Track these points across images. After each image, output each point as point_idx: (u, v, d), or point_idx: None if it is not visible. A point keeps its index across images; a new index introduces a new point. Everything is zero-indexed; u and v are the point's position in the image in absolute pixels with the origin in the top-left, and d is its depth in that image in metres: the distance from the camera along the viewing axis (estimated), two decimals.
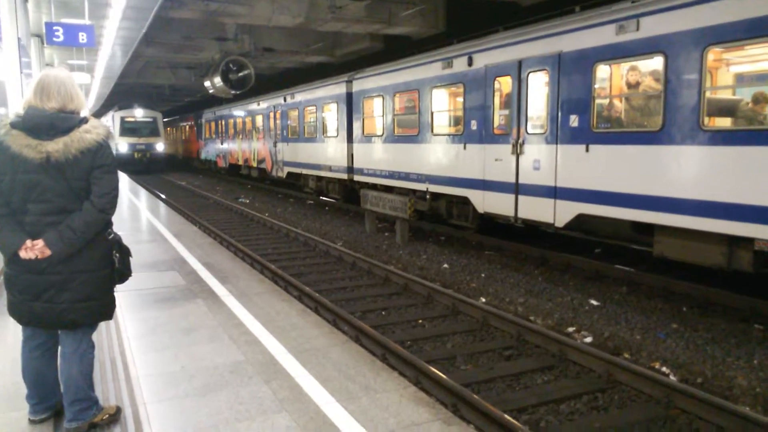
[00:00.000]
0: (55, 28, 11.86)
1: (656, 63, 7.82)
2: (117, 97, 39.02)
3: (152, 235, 10.86)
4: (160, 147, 37.88)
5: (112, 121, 37.16)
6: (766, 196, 6.42)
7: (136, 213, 14.31)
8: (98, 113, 49.88)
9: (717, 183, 6.92)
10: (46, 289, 3.28)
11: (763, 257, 6.83)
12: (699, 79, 7.08)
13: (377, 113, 14.75)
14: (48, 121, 3.25)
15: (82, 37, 12.07)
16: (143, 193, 20.43)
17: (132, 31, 15.14)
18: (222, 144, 31.93)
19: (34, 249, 3.21)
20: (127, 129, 36.53)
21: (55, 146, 3.20)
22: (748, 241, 6.79)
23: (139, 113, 37.31)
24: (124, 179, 23.14)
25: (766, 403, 5.19)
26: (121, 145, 35.83)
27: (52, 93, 3.30)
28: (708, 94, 7.16)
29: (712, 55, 7.26)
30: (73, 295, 3.32)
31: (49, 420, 3.62)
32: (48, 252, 3.23)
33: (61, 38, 11.88)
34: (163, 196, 21.67)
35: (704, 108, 7.09)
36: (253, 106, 25.60)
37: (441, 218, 13.04)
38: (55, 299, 3.29)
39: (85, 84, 24.82)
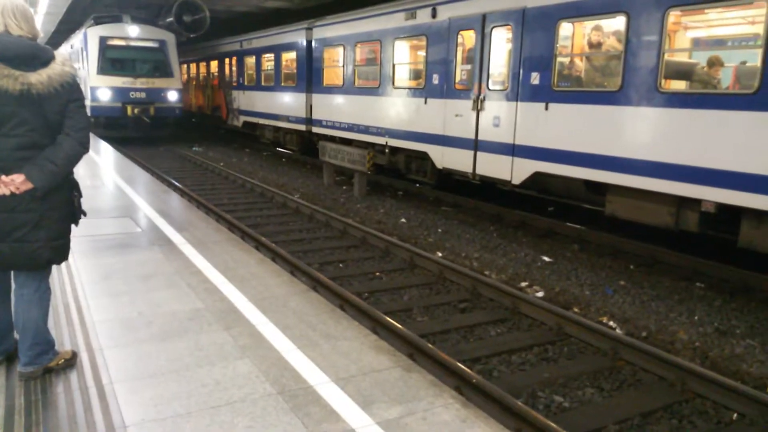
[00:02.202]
0: None
1: (618, 23, 7.88)
2: (59, 37, 34.36)
3: (102, 180, 10.53)
4: (173, 97, 21.11)
5: (83, 43, 21.08)
6: (715, 159, 6.65)
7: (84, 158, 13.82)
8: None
9: (670, 144, 7.12)
10: (16, 228, 3.14)
11: (708, 218, 7.11)
12: (659, 41, 7.18)
13: (338, 63, 14.48)
14: (30, 51, 3.08)
15: None
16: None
17: None
18: None
19: (10, 184, 3.06)
20: (113, 61, 20.50)
21: (39, 78, 3.05)
22: (696, 203, 7.05)
23: (133, 31, 20.75)
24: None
25: (704, 355, 5.48)
26: (101, 92, 19.91)
27: (24, 19, 3.13)
28: (667, 57, 7.28)
29: (673, 17, 7.36)
30: (48, 233, 3.24)
31: (1, 364, 3.54)
32: (26, 187, 3.09)
33: None
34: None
35: (662, 70, 7.21)
36: (208, 52, 24.76)
37: (399, 173, 13.05)
38: (27, 238, 3.17)
39: None
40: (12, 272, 3.43)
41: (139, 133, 20.98)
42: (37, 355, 3.41)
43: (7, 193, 3.07)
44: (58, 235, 3.31)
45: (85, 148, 3.29)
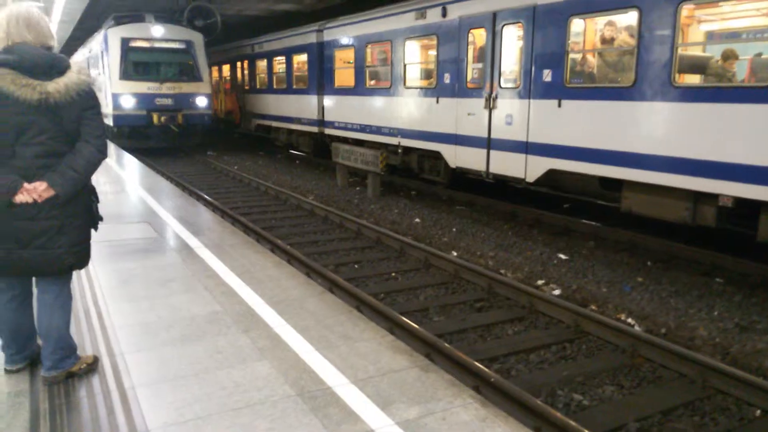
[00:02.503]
0: None
1: (630, 18, 7.83)
2: (74, 45, 34.49)
3: (120, 186, 10.64)
4: (202, 103, 19.32)
5: (102, 46, 19.20)
6: (731, 153, 6.58)
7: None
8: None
9: (685, 139, 7.05)
10: (37, 236, 3.19)
11: (725, 212, 7.04)
12: (672, 35, 7.12)
13: (349, 65, 14.51)
14: (48, 61, 3.14)
15: None
16: None
17: None
18: None
19: (33, 192, 3.11)
20: (136, 65, 18.83)
21: (56, 86, 3.10)
22: (713, 197, 6.98)
23: (158, 31, 18.93)
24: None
25: (724, 351, 5.43)
26: (125, 100, 18.21)
27: (41, 29, 3.20)
28: (680, 51, 7.22)
29: (685, 11, 7.30)
30: (70, 239, 3.28)
31: (25, 369, 3.59)
32: (48, 194, 3.14)
33: None
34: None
35: (676, 64, 7.16)
36: (220, 56, 24.90)
37: (412, 173, 13.05)
38: (49, 245, 3.21)
39: None
40: (34, 278, 3.48)
41: (165, 143, 19.52)
42: (60, 360, 3.46)
43: (30, 200, 3.12)
44: (80, 241, 3.36)
45: (103, 155, 3.33)
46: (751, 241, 6.89)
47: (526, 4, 9.07)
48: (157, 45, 18.86)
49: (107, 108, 18.16)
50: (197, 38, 19.47)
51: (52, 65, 3.14)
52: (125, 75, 18.29)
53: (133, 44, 18.52)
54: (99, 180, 11.31)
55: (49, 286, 3.40)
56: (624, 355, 5.32)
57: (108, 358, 3.78)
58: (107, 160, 14.08)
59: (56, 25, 26.13)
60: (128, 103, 18.14)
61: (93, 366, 3.64)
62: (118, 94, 18.09)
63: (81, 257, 3.41)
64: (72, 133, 3.22)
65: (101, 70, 19.63)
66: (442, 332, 5.73)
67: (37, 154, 3.14)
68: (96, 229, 3.54)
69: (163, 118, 18.57)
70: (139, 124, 18.52)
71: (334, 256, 8.41)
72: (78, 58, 27.79)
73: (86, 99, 3.22)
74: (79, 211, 3.35)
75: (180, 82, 18.96)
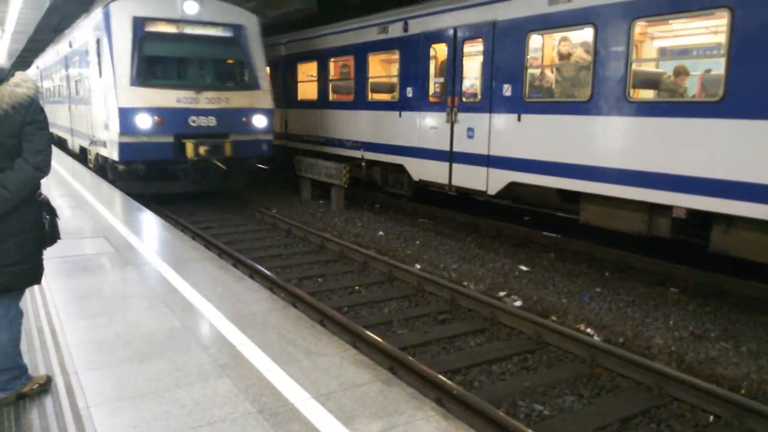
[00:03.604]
0: None
1: (586, 34, 8.05)
2: (30, 55, 33.28)
3: (76, 201, 10.38)
4: (260, 122, 12.37)
5: (99, 32, 11.92)
6: (684, 165, 6.79)
7: (56, 176, 13.61)
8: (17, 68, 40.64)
9: (640, 153, 7.25)
10: None
11: (679, 223, 7.25)
12: (626, 51, 7.34)
13: (311, 78, 14.51)
14: None
15: None
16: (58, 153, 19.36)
17: None
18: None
19: None
20: (157, 61, 11.93)
21: None
22: (667, 209, 7.19)
23: (191, 7, 11.72)
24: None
25: (680, 359, 5.57)
26: (140, 119, 11.14)
27: None
28: (634, 66, 7.44)
29: (639, 28, 7.53)
30: (4, 259, 3.16)
31: None
32: None
33: None
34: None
35: (630, 80, 7.37)
36: None
37: (376, 185, 13.09)
38: None
39: None
40: None
41: (200, 187, 12.42)
42: (9, 381, 3.35)
43: None
44: (20, 260, 3.23)
45: (42, 172, 3.21)
46: (704, 251, 7.11)
47: (486, 20, 9.24)
48: (190, 30, 11.76)
49: (107, 131, 11.86)
50: (251, 22, 12.52)
51: None
52: (140, 78, 11.29)
53: (152, 28, 11.47)
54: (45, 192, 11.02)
55: None
56: (584, 364, 5.41)
57: (62, 378, 3.67)
58: (58, 169, 13.78)
59: (9, 36, 25.46)
60: (145, 123, 11.14)
61: (45, 386, 3.52)
62: (127, 110, 11.08)
63: (20, 277, 3.27)
64: (11, 148, 3.13)
65: (94, 71, 12.82)
66: (405, 345, 5.74)
67: None
68: (46, 247, 3.42)
69: (202, 149, 11.33)
70: (162, 159, 11.54)
71: (297, 270, 8.36)
72: (47, 60, 22.32)
73: (25, 113, 3.11)
74: (22, 227, 3.22)
75: (227, 91, 12.02)
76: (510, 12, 8.86)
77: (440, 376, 4.83)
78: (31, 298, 5.03)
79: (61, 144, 20.08)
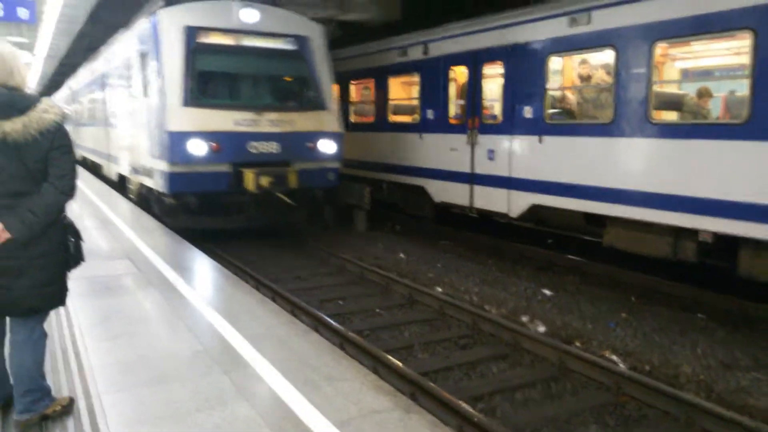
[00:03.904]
0: None
1: (607, 56, 8.03)
2: (61, 78, 33.31)
3: (102, 223, 10.52)
4: (329, 148, 10.81)
5: (145, 45, 10.54)
6: (710, 188, 6.69)
7: (82, 197, 13.84)
8: (47, 93, 35.11)
9: (664, 175, 7.16)
10: None
11: (705, 247, 7.11)
12: (647, 73, 7.30)
13: None
14: (6, 99, 3.10)
15: (22, 13, 11.48)
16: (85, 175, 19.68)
17: (77, 9, 14.55)
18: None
19: None
20: (212, 78, 10.41)
21: (13, 126, 3.06)
22: (693, 232, 7.07)
23: (250, 16, 10.33)
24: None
25: (708, 389, 5.42)
26: (192, 144, 9.54)
27: (3, 67, 3.16)
28: (656, 88, 7.39)
29: (659, 49, 7.49)
30: (32, 281, 3.21)
31: None
32: (5, 236, 3.09)
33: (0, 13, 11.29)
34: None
35: (652, 101, 7.31)
36: None
37: (397, 207, 13.08)
38: (10, 286, 3.16)
39: (25, 63, 23.73)
40: (8, 318, 3.40)
41: (259, 222, 10.86)
42: (32, 402, 3.37)
43: None
44: (47, 282, 3.28)
45: (68, 196, 3.26)
46: (732, 275, 6.95)
47: (506, 43, 9.26)
48: (249, 42, 10.48)
49: (153, 158, 10.42)
50: (316, 33, 11.14)
51: (11, 104, 3.11)
52: (193, 97, 9.87)
53: (206, 39, 10.16)
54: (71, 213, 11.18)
55: (19, 326, 3.33)
56: (609, 393, 5.29)
57: (84, 400, 3.69)
58: (84, 190, 13.99)
59: (41, 60, 26.14)
60: (199, 149, 9.66)
61: (68, 408, 3.54)
62: (178, 135, 9.60)
63: (47, 299, 3.32)
64: (37, 173, 3.18)
65: (137, 89, 11.46)
66: (426, 370, 5.67)
67: None
68: (70, 269, 3.46)
69: (264, 180, 9.86)
70: (217, 190, 10.07)
71: (318, 292, 8.34)
72: (81, 79, 21.46)
73: (52, 138, 3.16)
74: (47, 251, 3.27)
75: (290, 112, 10.58)
76: (530, 34, 8.88)
77: (462, 403, 4.76)
78: (56, 319, 5.08)
79: (95, 169, 19.03)
